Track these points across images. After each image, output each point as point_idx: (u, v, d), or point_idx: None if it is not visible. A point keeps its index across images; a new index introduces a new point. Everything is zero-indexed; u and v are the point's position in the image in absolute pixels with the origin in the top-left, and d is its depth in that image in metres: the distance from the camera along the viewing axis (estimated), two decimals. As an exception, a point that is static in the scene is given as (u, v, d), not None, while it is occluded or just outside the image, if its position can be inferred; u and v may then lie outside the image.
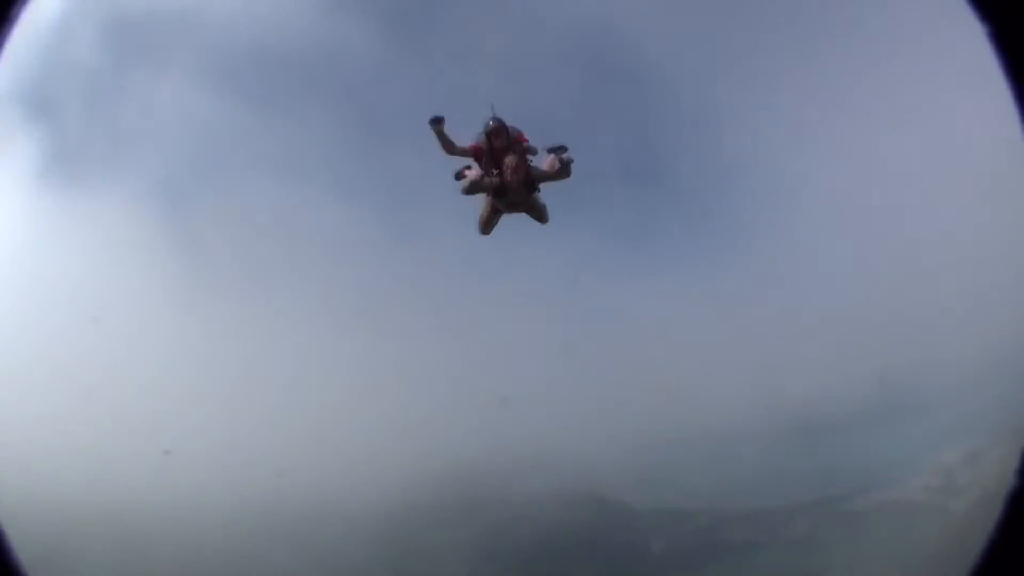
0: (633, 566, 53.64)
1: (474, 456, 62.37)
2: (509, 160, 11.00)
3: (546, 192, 11.91)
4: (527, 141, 11.39)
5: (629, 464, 60.18)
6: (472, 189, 11.30)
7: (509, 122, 11.41)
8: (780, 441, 56.15)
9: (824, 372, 57.00)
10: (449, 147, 11.12)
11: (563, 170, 11.13)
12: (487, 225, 11.77)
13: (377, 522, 59.20)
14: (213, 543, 56.86)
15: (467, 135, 11.41)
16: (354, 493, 61.67)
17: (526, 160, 11.26)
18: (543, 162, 11.47)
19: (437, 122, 10.93)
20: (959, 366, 49.39)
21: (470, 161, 11.55)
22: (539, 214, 11.84)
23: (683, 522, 55.28)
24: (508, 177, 11.05)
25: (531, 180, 11.26)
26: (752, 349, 61.46)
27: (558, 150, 11.25)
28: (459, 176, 11.72)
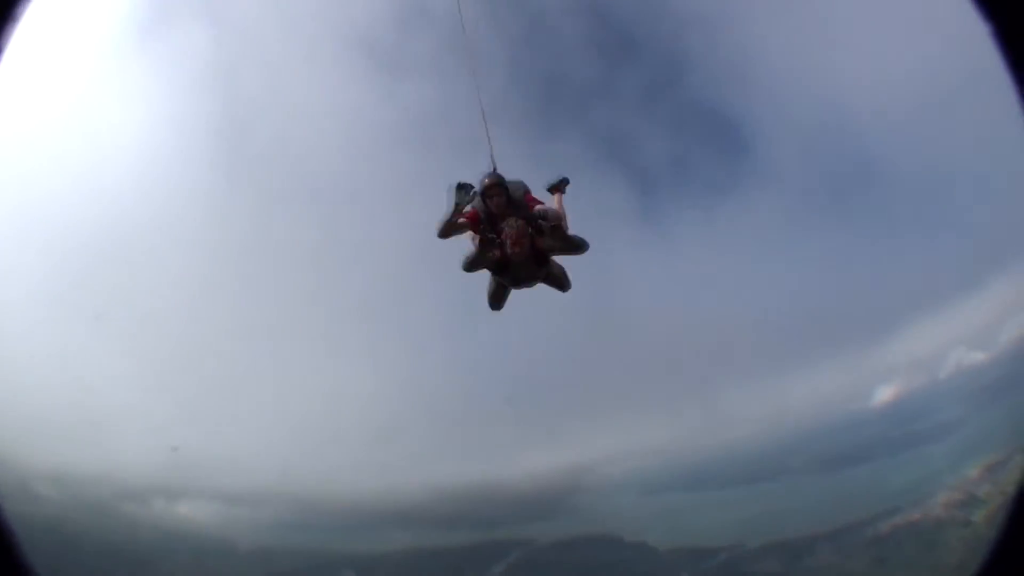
0: (656, 604, 53.15)
1: (494, 498, 62.66)
2: (509, 230, 8.93)
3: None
4: (536, 203, 9.44)
5: (644, 505, 60.25)
6: (473, 266, 9.27)
7: (512, 176, 9.44)
8: (800, 475, 56.28)
9: (840, 403, 57.66)
10: (449, 227, 9.23)
11: (572, 243, 9.25)
12: (495, 300, 9.85)
13: (392, 567, 59.53)
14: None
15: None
16: (364, 537, 61.90)
17: (531, 226, 9.20)
18: (548, 208, 9.73)
19: (461, 190, 9.00)
20: (968, 383, 50.42)
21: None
22: (558, 282, 9.87)
23: (704, 559, 54.61)
24: (508, 250, 9.02)
25: (539, 253, 9.23)
26: (765, 383, 62.20)
27: (559, 184, 9.50)
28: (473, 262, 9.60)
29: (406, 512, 62.79)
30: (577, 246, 9.26)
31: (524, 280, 9.48)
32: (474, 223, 9.26)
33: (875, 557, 48.35)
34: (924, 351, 53.99)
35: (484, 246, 9.23)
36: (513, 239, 8.95)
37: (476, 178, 9.18)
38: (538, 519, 61.69)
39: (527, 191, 9.44)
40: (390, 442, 68.59)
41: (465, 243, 9.60)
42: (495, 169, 9.31)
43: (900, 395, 54.08)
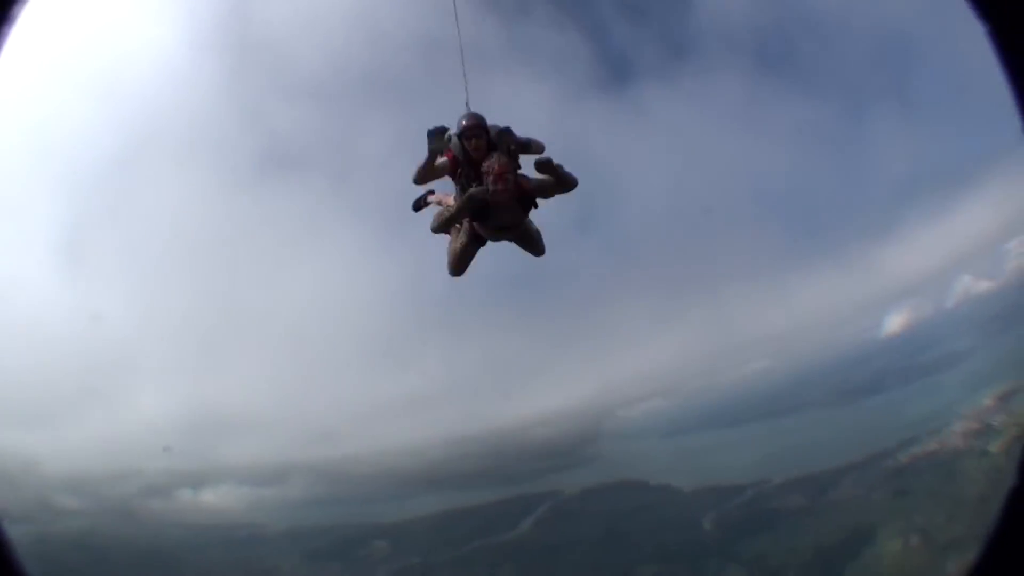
0: (688, 543, 56.21)
1: (517, 450, 65.81)
2: (490, 163, 8.25)
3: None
4: (517, 140, 8.65)
5: (667, 447, 63.52)
6: (445, 223, 8.68)
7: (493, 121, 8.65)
8: (818, 407, 59.29)
9: (851, 334, 59.79)
10: (426, 172, 8.57)
11: (564, 179, 8.37)
12: (460, 262, 9.02)
13: (423, 532, 62.77)
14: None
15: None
16: (393, 506, 65.52)
17: (516, 164, 8.48)
18: (532, 138, 8.70)
19: (438, 136, 8.41)
20: (976, 312, 52.49)
21: (434, 184, 9.11)
22: (531, 243, 9.08)
23: (730, 497, 58.19)
24: (490, 188, 8.28)
25: (525, 191, 8.50)
26: (770, 290, 64.40)
27: (542, 160, 8.23)
28: (419, 205, 9.42)
29: (432, 474, 65.80)
30: (567, 182, 8.44)
31: (506, 227, 8.74)
32: (452, 166, 8.59)
33: (897, 489, 51.55)
34: (929, 272, 55.79)
35: (463, 191, 8.53)
36: (497, 173, 8.19)
37: (453, 121, 8.48)
38: (564, 469, 65.13)
39: (509, 132, 8.66)
40: (410, 390, 70.80)
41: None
42: (471, 111, 8.64)
43: (909, 324, 56.47)
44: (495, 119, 8.50)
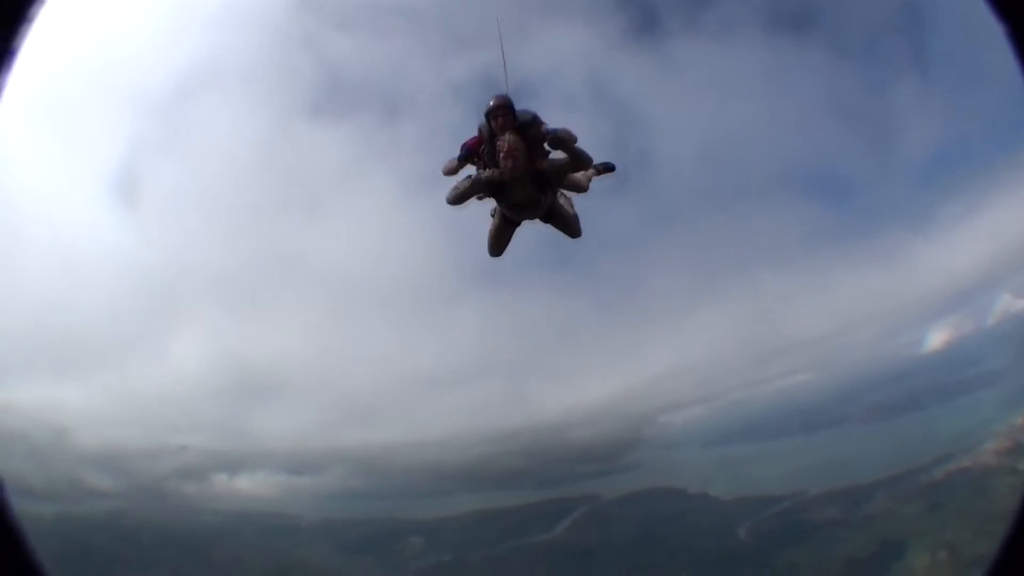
0: (722, 552, 60.88)
1: (557, 452, 70.40)
2: (501, 142, 8.89)
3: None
4: (545, 124, 9.17)
5: (706, 457, 68.47)
6: (459, 197, 9.24)
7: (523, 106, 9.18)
8: (857, 423, 64.45)
9: (893, 349, 65.09)
10: (455, 170, 9.32)
11: (578, 156, 9.11)
12: (497, 242, 9.65)
13: (459, 530, 67.21)
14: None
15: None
16: (429, 502, 69.80)
17: (533, 143, 9.12)
18: (560, 128, 9.26)
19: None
20: (1015, 330, 57.78)
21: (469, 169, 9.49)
22: (566, 224, 9.78)
23: (766, 507, 62.95)
24: (501, 164, 8.89)
25: (537, 170, 9.10)
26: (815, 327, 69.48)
27: (557, 136, 9.00)
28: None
29: (471, 471, 70.06)
30: (581, 159, 9.17)
31: (525, 206, 9.36)
32: (477, 143, 9.24)
33: (930, 504, 56.34)
34: (969, 285, 60.76)
35: (485, 167, 9.22)
36: (505, 151, 8.85)
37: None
38: (603, 475, 70.04)
39: (537, 117, 9.26)
40: (451, 387, 74.75)
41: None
42: (503, 93, 9.34)
43: (950, 342, 61.49)
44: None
